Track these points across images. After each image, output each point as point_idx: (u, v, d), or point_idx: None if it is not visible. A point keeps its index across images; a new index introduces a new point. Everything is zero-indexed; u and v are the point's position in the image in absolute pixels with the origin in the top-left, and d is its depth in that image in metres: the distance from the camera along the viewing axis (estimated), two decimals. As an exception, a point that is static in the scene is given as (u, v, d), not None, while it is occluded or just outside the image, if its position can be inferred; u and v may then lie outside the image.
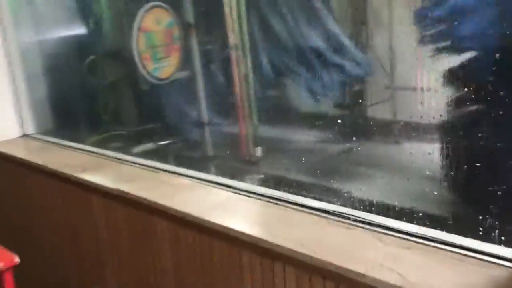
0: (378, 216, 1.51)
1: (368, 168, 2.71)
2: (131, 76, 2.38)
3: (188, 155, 2.49)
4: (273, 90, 2.85)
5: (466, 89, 1.95)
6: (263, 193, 1.72)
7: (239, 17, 2.11)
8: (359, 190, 2.20)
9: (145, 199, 1.72)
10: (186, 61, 2.27)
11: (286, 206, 1.62)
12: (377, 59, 3.26)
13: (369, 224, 1.47)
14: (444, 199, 2.00)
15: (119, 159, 2.26)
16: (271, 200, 1.66)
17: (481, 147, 1.94)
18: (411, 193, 2.12)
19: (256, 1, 2.32)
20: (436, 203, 1.98)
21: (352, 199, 1.88)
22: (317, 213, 1.57)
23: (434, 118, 2.83)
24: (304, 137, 3.40)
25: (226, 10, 2.10)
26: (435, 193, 2.00)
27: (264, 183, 2.26)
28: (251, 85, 2.29)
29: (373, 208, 1.68)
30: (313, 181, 2.43)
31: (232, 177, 2.10)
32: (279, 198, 1.67)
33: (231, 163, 2.32)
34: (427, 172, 2.37)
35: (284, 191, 2.22)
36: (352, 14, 3.23)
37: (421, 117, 2.97)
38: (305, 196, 1.77)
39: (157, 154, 2.29)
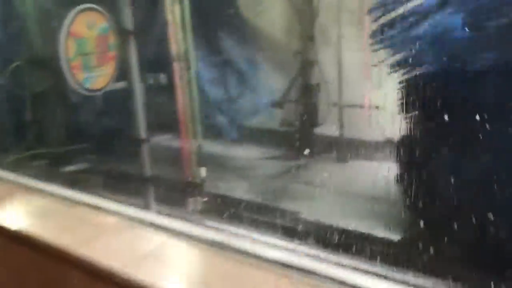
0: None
1: (315, 187, 2.63)
2: (58, 86, 2.12)
3: (121, 178, 2.26)
4: (219, 104, 2.69)
5: (414, 108, 1.92)
6: (207, 238, 1.35)
7: (183, 25, 1.94)
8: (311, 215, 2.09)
9: (54, 245, 1.37)
10: (123, 71, 2.05)
11: (235, 255, 1.27)
12: (324, 75, 3.22)
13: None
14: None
15: (33, 187, 1.88)
16: (216, 244, 1.33)
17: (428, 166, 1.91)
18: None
19: (201, 9, 2.16)
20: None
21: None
22: (275, 266, 1.19)
23: (381, 136, 2.80)
24: (250, 153, 3.28)
25: (169, 17, 1.91)
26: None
27: (208, 208, 2.08)
28: (195, 99, 2.11)
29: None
30: (260, 204, 2.29)
31: (171, 203, 1.92)
32: (225, 244, 1.32)
33: (171, 185, 2.12)
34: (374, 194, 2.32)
35: (230, 219, 2.06)
36: (300, 29, 3.18)
37: (368, 134, 2.94)
38: (254, 229, 1.59)
39: (82, 180, 2.04)
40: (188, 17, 1.94)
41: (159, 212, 1.70)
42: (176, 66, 1.99)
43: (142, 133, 2.11)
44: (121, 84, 2.04)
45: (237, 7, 2.98)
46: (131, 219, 1.51)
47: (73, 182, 2.04)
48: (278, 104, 3.33)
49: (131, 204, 1.66)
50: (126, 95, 2.00)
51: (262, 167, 3.00)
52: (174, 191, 2.10)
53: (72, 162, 2.25)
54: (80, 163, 2.27)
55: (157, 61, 2.08)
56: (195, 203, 2.04)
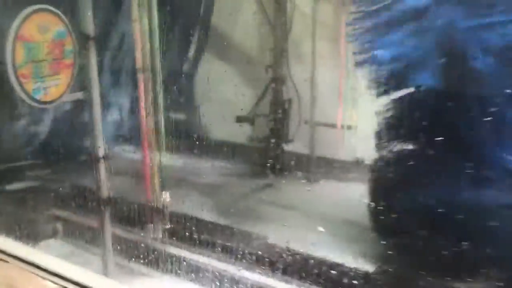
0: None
1: (283, 209, 2.49)
2: (3, 97, 1.86)
3: (73, 207, 2.03)
4: (186, 120, 2.51)
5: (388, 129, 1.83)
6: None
7: (151, 34, 1.75)
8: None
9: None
10: (81, 80, 1.82)
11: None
12: (295, 91, 3.10)
13: None
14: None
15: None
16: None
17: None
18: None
19: (171, 19, 1.98)
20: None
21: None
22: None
23: (353, 156, 2.71)
24: (217, 171, 3.11)
25: (135, 25, 1.72)
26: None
27: (172, 236, 1.89)
28: (161, 113, 1.92)
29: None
30: (229, 228, 2.13)
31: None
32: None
33: (130, 212, 1.91)
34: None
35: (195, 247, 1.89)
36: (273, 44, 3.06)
37: (339, 154, 2.84)
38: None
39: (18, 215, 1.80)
40: (156, 26, 1.75)
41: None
42: (141, 78, 1.80)
43: (100, 150, 1.89)
44: (78, 95, 1.82)
45: (208, 18, 2.82)
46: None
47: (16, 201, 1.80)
48: (246, 119, 3.18)
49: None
50: (85, 107, 1.79)
51: (228, 185, 2.84)
52: (132, 219, 1.90)
53: (15, 180, 2.00)
54: (22, 182, 2.01)
55: (120, 70, 1.87)
56: (156, 232, 1.84)
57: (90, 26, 1.74)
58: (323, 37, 2.84)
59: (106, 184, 1.94)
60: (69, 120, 1.98)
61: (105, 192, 1.95)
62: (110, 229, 1.99)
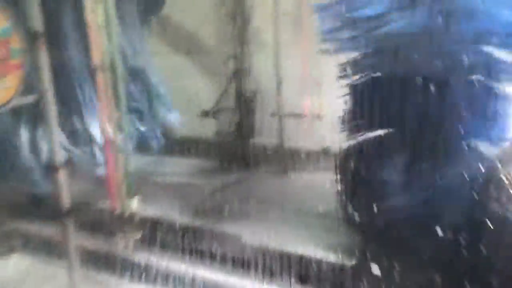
0: None
1: (253, 204, 2.41)
2: None
3: (32, 219, 1.86)
4: (148, 118, 2.37)
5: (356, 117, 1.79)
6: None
7: (107, 28, 1.60)
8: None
9: None
10: (31, 82, 1.66)
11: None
12: (260, 83, 3.01)
13: None
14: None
15: None
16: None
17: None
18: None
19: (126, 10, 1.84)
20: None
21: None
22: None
23: (322, 146, 2.67)
24: (184, 169, 2.98)
25: (90, 18, 1.56)
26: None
27: (141, 243, 1.77)
28: (123, 112, 1.78)
29: None
30: (201, 230, 2.03)
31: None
32: None
33: (94, 224, 1.77)
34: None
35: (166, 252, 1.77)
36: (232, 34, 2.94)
37: (308, 144, 2.79)
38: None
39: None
40: (114, 18, 1.60)
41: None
42: (100, 76, 1.65)
43: (58, 157, 1.74)
44: (29, 99, 1.65)
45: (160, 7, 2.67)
46: None
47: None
48: (209, 113, 3.07)
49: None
50: (37, 112, 1.62)
51: (196, 183, 2.73)
52: (97, 234, 1.76)
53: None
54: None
55: (76, 70, 1.71)
56: (126, 243, 1.72)
57: (38, 21, 1.58)
58: (286, 26, 2.76)
59: (66, 193, 1.79)
60: (23, 127, 1.80)
61: (65, 202, 1.80)
62: (73, 241, 1.84)
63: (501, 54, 1.41)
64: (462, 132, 1.51)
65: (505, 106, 1.44)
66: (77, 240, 1.86)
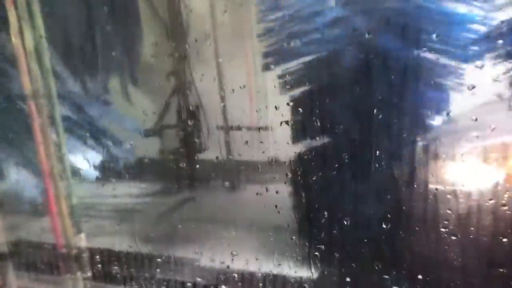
0: None
1: (207, 224, 2.34)
2: None
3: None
4: (90, 144, 2.24)
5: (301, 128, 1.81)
6: None
7: (38, 53, 1.48)
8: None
9: None
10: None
11: None
12: (203, 97, 2.95)
13: None
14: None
15: None
16: None
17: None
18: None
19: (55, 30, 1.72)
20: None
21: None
22: None
23: (270, 157, 2.66)
24: (128, 191, 2.84)
25: (16, 41, 1.44)
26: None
27: (92, 283, 1.65)
28: (62, 141, 1.66)
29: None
30: (156, 257, 1.93)
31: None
32: None
33: (38, 264, 1.63)
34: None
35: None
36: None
37: (257, 156, 2.76)
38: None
39: None
40: (44, 41, 1.49)
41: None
42: (32, 105, 1.52)
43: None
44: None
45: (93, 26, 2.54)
46: None
47: None
48: (153, 132, 2.97)
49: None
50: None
51: (145, 206, 2.62)
52: (46, 267, 1.62)
53: None
54: None
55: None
56: (75, 282, 1.59)
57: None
58: (225, 38, 2.73)
59: (2, 232, 1.64)
60: None
61: (3, 242, 1.65)
62: (15, 284, 1.70)
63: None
64: (408, 131, 1.54)
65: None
66: (20, 283, 1.72)
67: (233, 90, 2.71)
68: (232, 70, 2.70)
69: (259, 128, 2.76)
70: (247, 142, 2.81)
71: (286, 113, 1.77)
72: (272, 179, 2.68)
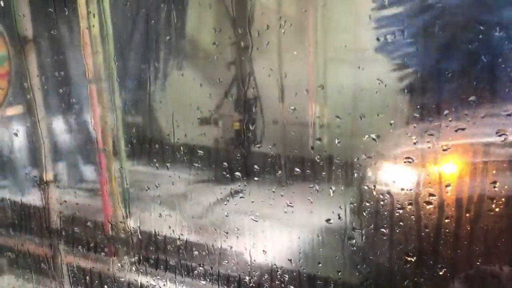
0: None
1: (257, 218, 2.29)
2: None
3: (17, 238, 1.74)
4: (145, 129, 2.24)
5: None
6: None
7: (103, 35, 1.48)
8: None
9: None
10: (18, 93, 1.54)
11: None
12: (261, 89, 2.90)
13: None
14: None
15: None
16: None
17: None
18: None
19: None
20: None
21: None
22: None
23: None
24: (183, 179, 2.85)
25: (83, 24, 1.45)
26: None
27: (137, 266, 1.65)
28: (119, 123, 1.67)
29: None
30: (202, 247, 1.91)
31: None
32: None
33: (87, 243, 1.65)
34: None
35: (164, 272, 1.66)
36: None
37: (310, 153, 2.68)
38: None
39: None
40: (110, 23, 1.48)
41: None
42: (93, 88, 1.53)
43: (46, 172, 1.63)
44: (16, 110, 1.53)
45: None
46: None
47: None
48: (208, 121, 2.96)
49: None
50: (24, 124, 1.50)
51: (195, 195, 2.61)
52: (94, 246, 1.64)
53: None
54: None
55: (67, 79, 1.59)
56: (122, 264, 1.60)
57: (27, 26, 1.46)
58: (289, 31, 2.65)
59: (56, 210, 1.68)
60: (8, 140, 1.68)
61: (56, 220, 1.68)
62: (64, 261, 1.73)
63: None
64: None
65: None
66: (69, 260, 1.75)
67: (292, 84, 2.63)
68: (294, 64, 2.63)
69: (314, 125, 2.67)
70: (301, 137, 2.73)
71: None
72: (322, 177, 2.59)
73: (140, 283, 1.62)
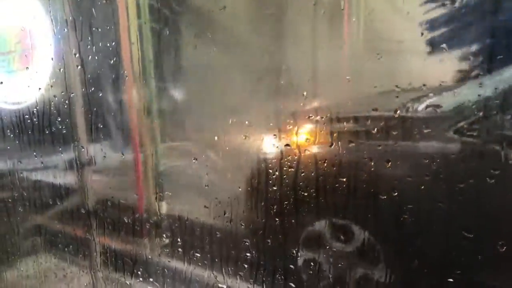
0: None
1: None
2: None
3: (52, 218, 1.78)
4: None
5: None
6: None
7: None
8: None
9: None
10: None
11: None
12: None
13: None
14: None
15: None
16: None
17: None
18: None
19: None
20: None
21: None
22: None
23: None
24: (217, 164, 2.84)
25: (122, 25, 1.44)
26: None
27: (168, 250, 1.67)
28: (155, 109, 1.68)
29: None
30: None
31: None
32: None
33: (120, 225, 1.67)
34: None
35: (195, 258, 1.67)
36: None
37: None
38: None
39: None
40: (148, 28, 1.48)
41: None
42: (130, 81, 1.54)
43: (84, 152, 1.66)
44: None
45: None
46: None
47: None
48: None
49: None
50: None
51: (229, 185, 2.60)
52: (127, 228, 1.67)
53: None
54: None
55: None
56: (152, 250, 1.62)
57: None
58: (324, 21, 2.60)
59: (92, 192, 1.71)
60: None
61: (90, 201, 1.72)
62: (97, 241, 1.77)
63: None
64: None
65: None
66: (102, 240, 1.78)
67: (322, 75, 2.59)
68: (325, 55, 2.58)
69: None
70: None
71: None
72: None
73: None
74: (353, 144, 1.19)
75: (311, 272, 1.34)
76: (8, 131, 1.91)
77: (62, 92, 1.65)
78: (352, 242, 1.29)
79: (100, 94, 1.63)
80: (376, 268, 1.24)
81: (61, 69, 1.60)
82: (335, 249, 1.30)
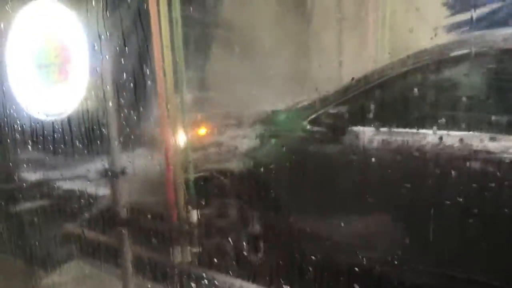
0: None
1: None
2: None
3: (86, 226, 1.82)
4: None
5: None
6: None
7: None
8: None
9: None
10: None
11: None
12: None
13: None
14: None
15: None
16: None
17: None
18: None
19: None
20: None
21: None
22: None
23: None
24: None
25: (154, 30, 1.47)
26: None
27: (200, 259, 1.68)
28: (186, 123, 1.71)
29: None
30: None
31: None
32: None
33: (152, 233, 1.69)
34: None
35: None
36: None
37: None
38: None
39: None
40: (179, 31, 1.51)
41: None
42: (161, 85, 1.57)
43: (114, 162, 1.70)
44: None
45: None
46: None
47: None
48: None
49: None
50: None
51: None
52: (159, 237, 1.69)
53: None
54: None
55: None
56: (183, 256, 1.64)
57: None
58: (348, 30, 2.60)
59: (125, 202, 1.75)
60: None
61: (123, 211, 1.76)
62: (129, 249, 1.80)
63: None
64: None
65: None
66: (134, 248, 1.81)
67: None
68: (350, 63, 2.56)
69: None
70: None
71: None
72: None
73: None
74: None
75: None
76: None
77: (99, 103, 1.69)
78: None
79: (133, 106, 1.66)
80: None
81: (97, 81, 1.64)
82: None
